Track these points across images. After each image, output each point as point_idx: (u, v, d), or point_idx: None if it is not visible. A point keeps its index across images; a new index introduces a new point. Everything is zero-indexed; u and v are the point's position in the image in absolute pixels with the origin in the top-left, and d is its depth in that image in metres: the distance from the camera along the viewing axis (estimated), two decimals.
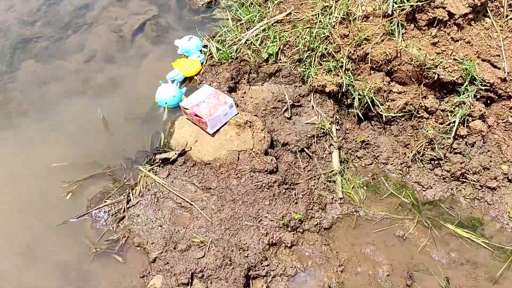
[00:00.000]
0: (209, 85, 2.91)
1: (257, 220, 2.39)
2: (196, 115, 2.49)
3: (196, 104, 2.54)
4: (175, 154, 2.56)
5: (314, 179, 2.62)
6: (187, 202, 2.42)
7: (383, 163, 2.79)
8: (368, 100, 2.79)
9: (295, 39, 3.00)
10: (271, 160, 2.54)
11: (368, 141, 2.80)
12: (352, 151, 2.80)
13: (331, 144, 2.73)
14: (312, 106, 2.84)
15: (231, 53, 3.01)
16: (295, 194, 2.51)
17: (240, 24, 3.20)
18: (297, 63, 3.01)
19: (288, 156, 2.63)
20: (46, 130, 2.81)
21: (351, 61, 2.92)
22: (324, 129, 2.74)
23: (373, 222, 2.56)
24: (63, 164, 2.61)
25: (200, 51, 3.20)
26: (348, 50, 2.88)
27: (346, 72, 2.83)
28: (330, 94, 2.87)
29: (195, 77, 3.08)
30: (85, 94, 3.05)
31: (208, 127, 2.49)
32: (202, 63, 3.11)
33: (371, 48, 2.83)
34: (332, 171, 2.66)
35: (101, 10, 3.63)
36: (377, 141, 2.81)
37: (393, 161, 2.77)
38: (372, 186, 2.70)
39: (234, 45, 3.08)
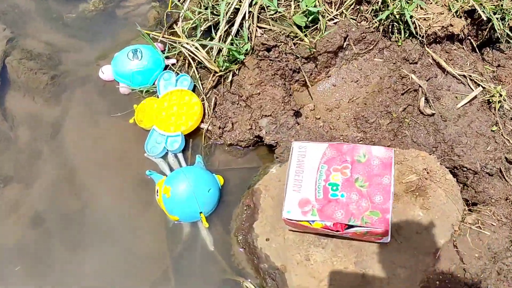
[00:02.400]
0: (254, 125, 1.28)
1: None
2: (349, 226, 0.93)
3: (327, 201, 0.98)
4: None
5: None
6: None
7: None
8: None
9: None
10: None
11: None
12: None
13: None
14: (444, 71, 1.42)
15: (242, 44, 1.36)
16: None
17: None
18: (358, 9, 1.50)
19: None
20: None
21: None
22: (492, 101, 1.37)
23: None
24: None
25: (168, 67, 1.46)
26: None
27: None
28: (458, 36, 1.46)
29: (203, 127, 1.39)
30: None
31: (386, 236, 0.97)
32: (193, 90, 1.41)
33: None
34: None
35: None
36: None
37: None
38: None
39: (229, 26, 1.42)
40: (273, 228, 1.17)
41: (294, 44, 1.42)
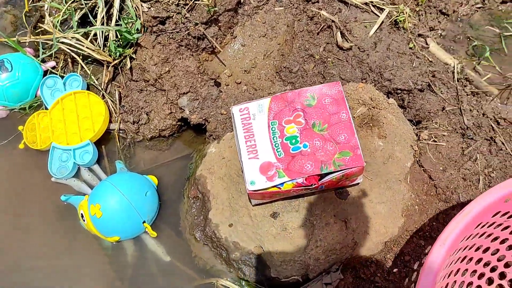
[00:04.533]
0: (173, 108, 1.15)
1: None
2: (322, 176, 0.86)
3: (291, 157, 0.89)
4: None
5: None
6: None
7: None
8: None
9: None
10: None
11: None
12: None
13: (419, 36, 1.46)
14: (347, 3, 1.42)
15: (132, 23, 1.20)
16: None
17: None
18: None
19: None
20: None
21: None
22: (399, 21, 1.41)
23: None
24: None
25: (48, 73, 1.24)
26: None
27: None
28: None
29: (114, 127, 1.20)
30: None
31: (361, 175, 0.92)
32: (86, 90, 1.21)
33: None
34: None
35: None
36: None
37: None
38: None
39: (108, 8, 1.26)
40: (234, 210, 1.03)
41: (188, 10, 1.26)
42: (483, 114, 1.24)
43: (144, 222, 1.06)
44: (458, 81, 1.33)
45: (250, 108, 0.97)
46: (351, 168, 0.89)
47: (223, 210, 1.05)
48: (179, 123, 1.19)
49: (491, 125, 1.21)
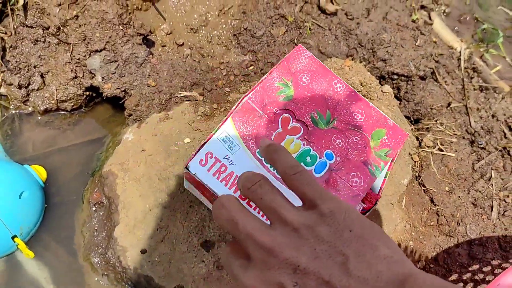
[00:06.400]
0: (79, 70, 0.76)
1: None
2: None
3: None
4: None
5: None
6: None
7: None
8: None
9: None
10: None
11: None
12: None
13: (421, 8, 1.13)
14: None
15: None
16: None
17: None
18: None
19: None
20: None
21: None
22: None
23: None
24: None
25: None
26: None
27: None
28: None
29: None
30: None
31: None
32: None
33: None
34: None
35: None
36: None
37: None
38: None
39: None
40: (150, 230, 0.66)
41: None
42: (493, 116, 0.92)
43: (15, 237, 0.68)
44: (464, 70, 1.00)
45: (214, 149, 0.60)
46: (400, 145, 0.55)
47: (134, 228, 0.68)
48: (87, 92, 0.81)
49: (503, 131, 0.89)
